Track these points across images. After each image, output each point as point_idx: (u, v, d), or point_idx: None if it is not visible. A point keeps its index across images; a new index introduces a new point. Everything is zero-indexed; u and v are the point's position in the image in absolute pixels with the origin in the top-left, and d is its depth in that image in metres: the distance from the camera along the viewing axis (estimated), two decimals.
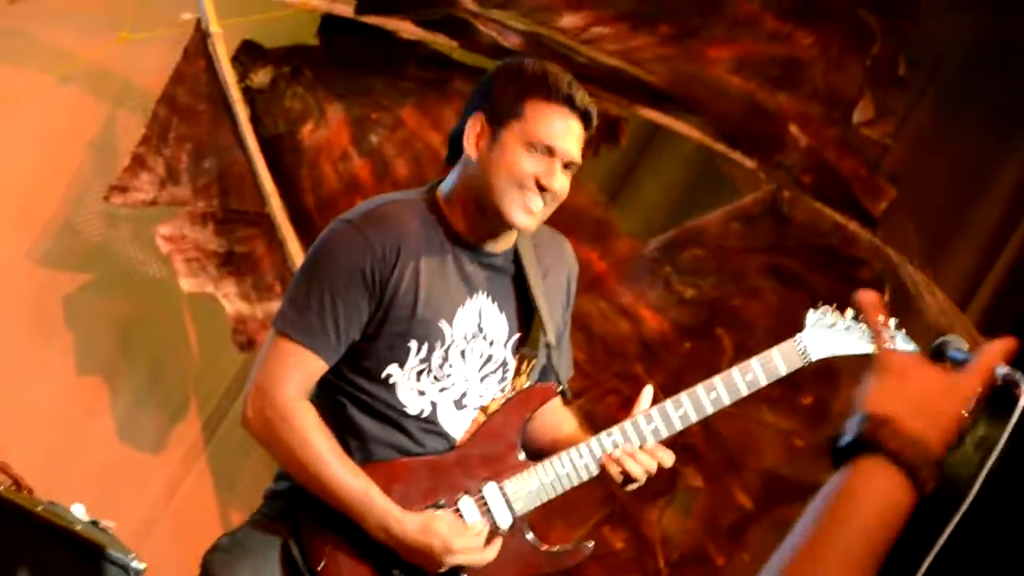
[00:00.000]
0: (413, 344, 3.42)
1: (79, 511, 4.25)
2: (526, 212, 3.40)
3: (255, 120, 5.46)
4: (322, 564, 3.40)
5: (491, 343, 3.49)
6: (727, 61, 5.58)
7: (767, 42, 5.59)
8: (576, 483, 3.47)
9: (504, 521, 3.45)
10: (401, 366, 3.43)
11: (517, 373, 3.55)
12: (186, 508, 5.62)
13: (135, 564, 4.09)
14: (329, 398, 3.47)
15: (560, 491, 3.48)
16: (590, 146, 5.57)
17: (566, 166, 3.41)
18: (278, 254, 5.50)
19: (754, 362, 3.53)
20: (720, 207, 5.69)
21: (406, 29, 5.52)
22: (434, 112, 5.56)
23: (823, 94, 5.63)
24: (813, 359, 3.58)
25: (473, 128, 3.42)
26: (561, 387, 3.56)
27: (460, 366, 3.46)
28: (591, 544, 3.51)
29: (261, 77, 5.49)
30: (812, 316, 3.59)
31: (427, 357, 3.43)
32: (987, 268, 5.84)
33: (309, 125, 5.51)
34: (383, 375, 3.43)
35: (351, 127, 5.53)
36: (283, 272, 5.51)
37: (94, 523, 4.22)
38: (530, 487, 3.45)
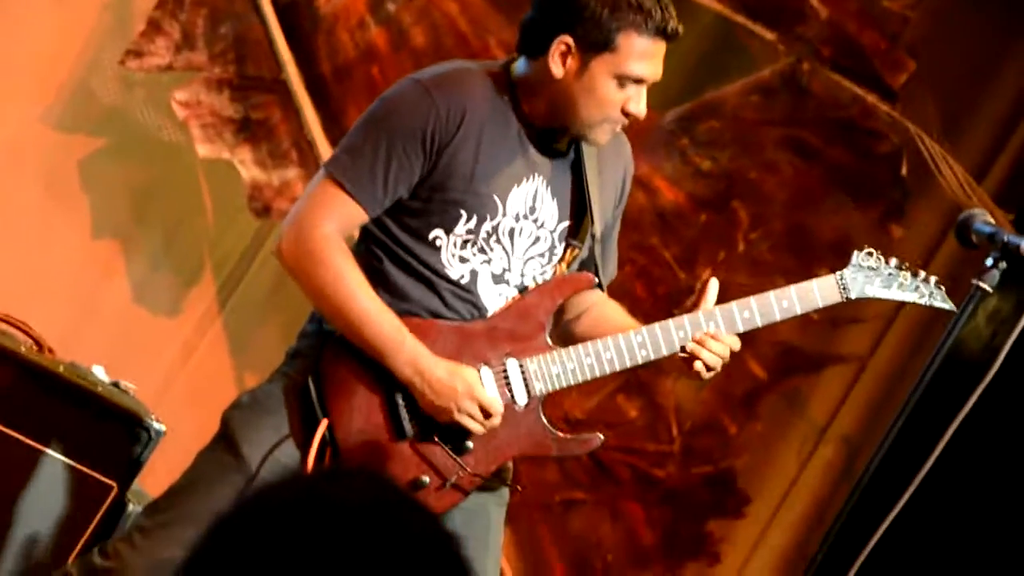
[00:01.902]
0: (463, 213, 3.43)
1: (100, 372, 4.28)
2: (607, 137, 3.45)
3: None
4: (335, 407, 3.43)
5: (540, 226, 3.49)
6: None
7: None
8: (598, 374, 3.47)
9: (521, 398, 3.47)
10: (448, 232, 3.44)
11: (560, 260, 3.54)
12: (201, 371, 5.67)
13: (156, 426, 4.14)
14: (368, 250, 3.48)
15: (580, 379, 3.48)
16: None
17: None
18: (294, 121, 5.49)
19: (792, 290, 3.52)
20: (738, 79, 5.68)
21: None
22: None
23: None
24: (852, 297, 3.56)
25: (559, 49, 3.39)
26: (598, 280, 3.55)
27: (507, 243, 3.47)
28: (601, 437, 3.52)
29: None
30: (858, 256, 3.57)
31: (475, 228, 3.44)
32: (1004, 141, 5.83)
33: None
34: (430, 237, 3.44)
35: None
36: (299, 139, 5.51)
37: (115, 384, 4.26)
38: (551, 370, 3.46)
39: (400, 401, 3.43)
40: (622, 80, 3.37)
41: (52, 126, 5.48)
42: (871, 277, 3.56)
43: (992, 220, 3.00)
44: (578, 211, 3.52)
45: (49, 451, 4.06)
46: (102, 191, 5.55)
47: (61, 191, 5.50)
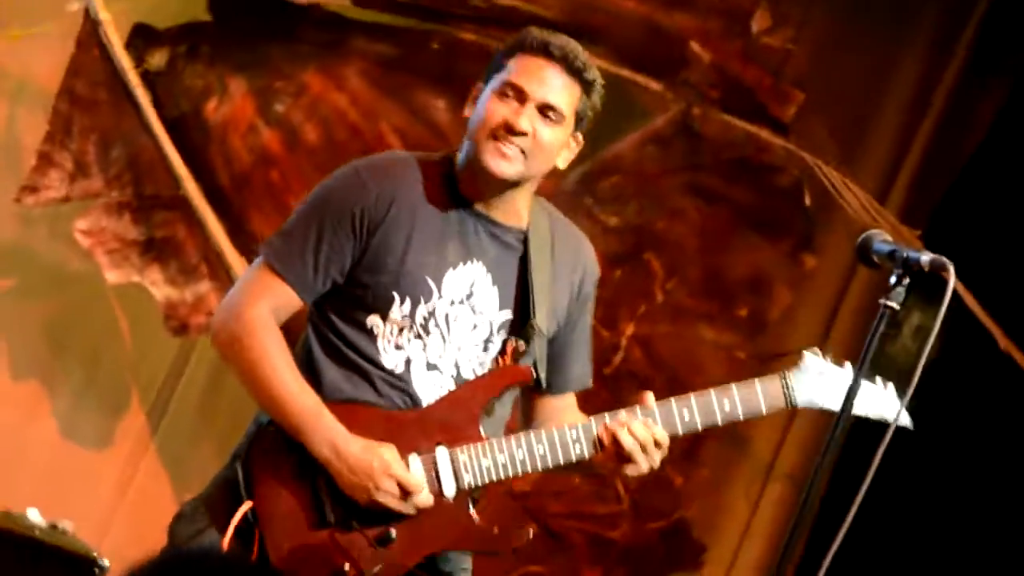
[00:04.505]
0: (396, 296, 3.41)
1: (35, 515, 4.22)
2: (499, 156, 3.38)
3: (157, 103, 5.42)
4: (261, 492, 3.38)
5: (479, 314, 3.46)
6: None
7: None
8: (530, 470, 3.41)
9: (449, 488, 3.41)
10: (384, 318, 3.42)
11: (502, 353, 3.49)
12: (141, 500, 5.61)
13: (100, 561, 4.08)
14: (307, 341, 3.46)
15: (511, 474, 3.41)
16: None
17: (544, 113, 3.40)
18: (199, 235, 5.47)
19: (734, 389, 3.45)
20: (632, 132, 5.71)
21: None
22: (336, 73, 5.54)
23: (719, 8, 5.65)
24: (797, 406, 3.46)
25: (470, 94, 3.46)
26: (536, 375, 3.48)
27: (443, 328, 3.44)
28: (531, 531, 3.46)
29: (157, 59, 5.45)
30: (807, 357, 3.48)
31: (411, 313, 3.41)
32: (901, 160, 5.90)
33: (212, 102, 5.48)
34: (367, 323, 3.43)
35: (255, 98, 5.50)
36: (207, 252, 5.48)
37: (52, 526, 4.19)
38: (483, 462, 3.41)
39: (322, 486, 3.40)
40: (502, 93, 3.39)
41: None
42: (821, 383, 3.45)
43: (890, 239, 3.01)
44: (523, 305, 3.48)
45: None
46: (16, 332, 5.51)
47: None
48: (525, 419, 3.59)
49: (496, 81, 3.41)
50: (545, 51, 3.41)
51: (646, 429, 3.40)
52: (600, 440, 3.41)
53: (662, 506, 5.85)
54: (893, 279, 2.94)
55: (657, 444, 3.41)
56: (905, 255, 2.93)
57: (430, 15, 5.55)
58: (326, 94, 5.53)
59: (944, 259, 2.89)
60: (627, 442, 3.39)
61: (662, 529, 5.87)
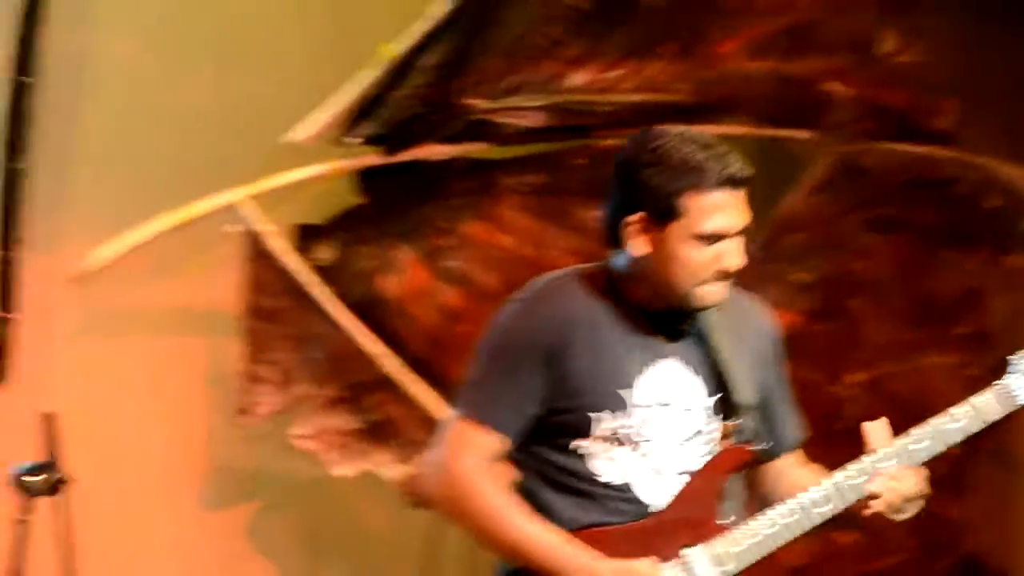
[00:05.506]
0: (594, 415, 3.37)
1: None
2: (716, 297, 3.37)
3: (338, 294, 5.52)
4: None
5: (685, 408, 3.42)
6: (740, 51, 5.54)
7: (769, 18, 5.56)
8: (788, 539, 3.38)
9: None
10: (588, 438, 3.38)
11: (723, 436, 3.45)
12: None
13: None
14: (524, 481, 3.43)
15: (769, 550, 3.38)
16: None
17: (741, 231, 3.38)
18: (412, 408, 5.53)
19: (957, 411, 3.46)
20: (797, 187, 5.65)
21: (436, 151, 5.55)
22: (494, 215, 5.58)
23: (844, 42, 5.57)
24: (1020, 403, 3.48)
25: (630, 230, 3.36)
26: (755, 448, 3.46)
27: (653, 433, 3.40)
28: None
29: (326, 253, 5.56)
30: (1016, 361, 3.49)
31: (615, 427, 3.38)
32: None
33: (387, 278, 5.56)
34: (573, 447, 3.39)
35: (426, 262, 5.57)
36: (426, 423, 5.53)
37: None
38: (735, 548, 3.37)
39: None
40: (702, 240, 3.31)
41: (208, 509, 5.61)
42: None
43: None
44: (722, 384, 3.44)
45: None
46: (279, 550, 5.67)
47: (244, 568, 5.57)
48: (751, 488, 3.54)
49: (683, 228, 3.30)
50: (725, 184, 3.31)
51: (903, 483, 3.43)
52: (872, 496, 3.41)
53: (946, 542, 5.68)
54: None
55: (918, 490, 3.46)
56: None
57: (566, 134, 5.57)
58: (491, 238, 5.57)
59: None
60: (894, 498, 3.42)
61: (953, 565, 5.70)
